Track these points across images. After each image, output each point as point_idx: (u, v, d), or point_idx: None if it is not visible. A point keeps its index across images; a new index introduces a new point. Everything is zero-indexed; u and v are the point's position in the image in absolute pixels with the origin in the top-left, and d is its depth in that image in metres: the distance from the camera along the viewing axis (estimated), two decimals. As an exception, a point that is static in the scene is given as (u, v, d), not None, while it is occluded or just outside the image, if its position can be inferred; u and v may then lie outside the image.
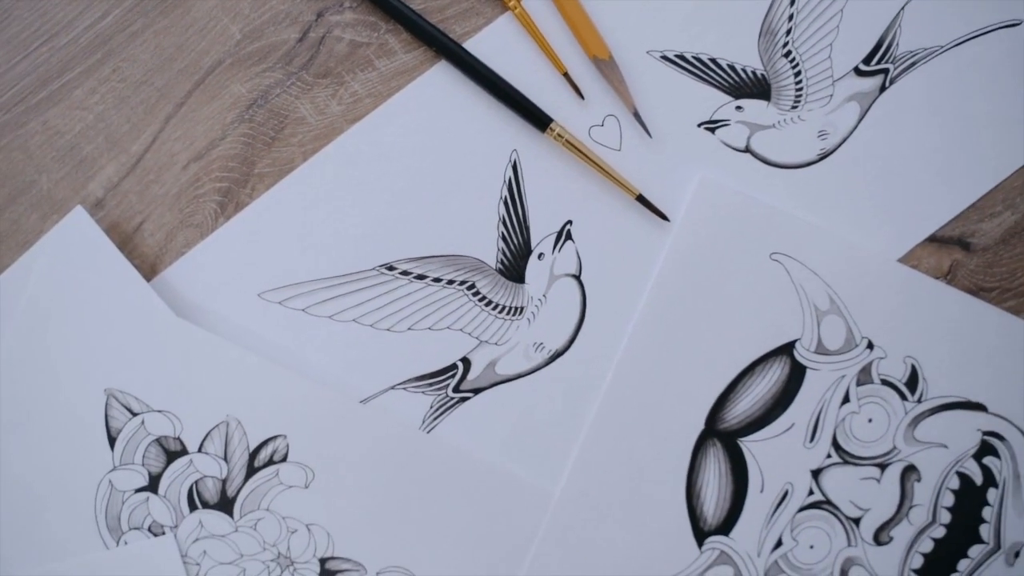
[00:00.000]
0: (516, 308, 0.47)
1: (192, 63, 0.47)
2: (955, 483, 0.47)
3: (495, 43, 0.47)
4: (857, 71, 0.47)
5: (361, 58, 0.48)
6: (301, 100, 0.47)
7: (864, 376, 0.47)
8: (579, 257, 0.47)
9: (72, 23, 0.47)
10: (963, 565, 0.46)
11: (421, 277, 0.47)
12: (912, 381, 0.47)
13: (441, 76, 0.47)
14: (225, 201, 0.47)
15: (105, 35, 0.47)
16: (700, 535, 0.46)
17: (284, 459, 0.46)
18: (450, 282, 0.47)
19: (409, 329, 0.47)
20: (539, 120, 0.46)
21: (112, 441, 0.46)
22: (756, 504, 0.46)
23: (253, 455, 0.46)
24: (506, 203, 0.47)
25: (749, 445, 0.47)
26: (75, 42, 0.47)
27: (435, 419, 0.47)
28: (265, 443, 0.46)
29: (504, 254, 0.47)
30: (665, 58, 0.47)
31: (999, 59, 0.47)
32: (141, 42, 0.47)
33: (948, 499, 0.46)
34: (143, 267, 0.47)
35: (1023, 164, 0.47)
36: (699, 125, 0.48)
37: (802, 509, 0.47)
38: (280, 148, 0.47)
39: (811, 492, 0.47)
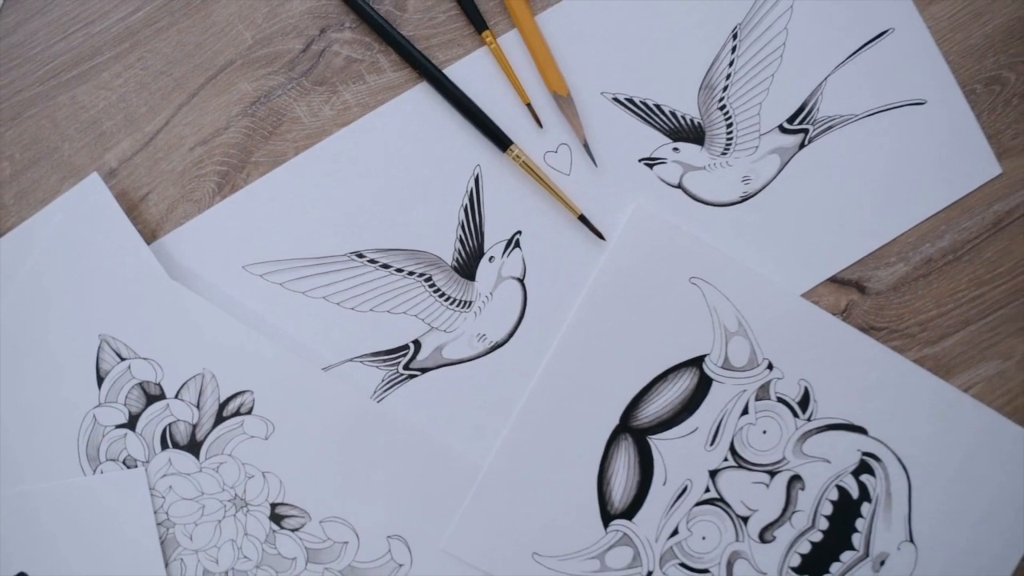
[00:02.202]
0: (465, 302, 0.49)
1: (207, 60, 0.49)
2: (834, 495, 0.49)
3: (471, 72, 0.49)
4: (781, 128, 0.49)
5: (354, 72, 0.49)
6: (298, 102, 0.49)
7: (762, 392, 0.49)
8: (524, 263, 0.49)
9: (107, 14, 0.49)
10: (835, 568, 0.49)
11: (386, 266, 0.49)
12: (804, 401, 0.49)
13: (421, 95, 0.49)
14: (223, 182, 0.49)
15: (134, 28, 0.49)
16: (607, 517, 0.49)
17: (249, 412, 0.48)
18: (410, 273, 0.49)
19: (371, 310, 0.49)
20: (501, 141, 0.48)
21: (100, 381, 0.48)
22: (658, 495, 0.49)
23: (222, 406, 0.48)
24: (466, 210, 0.49)
25: (657, 442, 0.49)
26: (108, 31, 0.49)
27: (385, 391, 0.49)
28: (234, 396, 0.48)
29: (460, 254, 0.49)
30: (616, 100, 0.49)
31: (904, 131, 0.49)
32: (165, 37, 0.49)
33: (827, 508, 0.49)
34: (145, 232, 0.48)
35: (917, 223, 0.50)
36: (639, 160, 0.49)
37: (698, 504, 0.49)
38: (276, 142, 0.49)
39: (707, 489, 0.49)
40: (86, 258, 0.48)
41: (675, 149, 0.49)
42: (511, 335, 0.49)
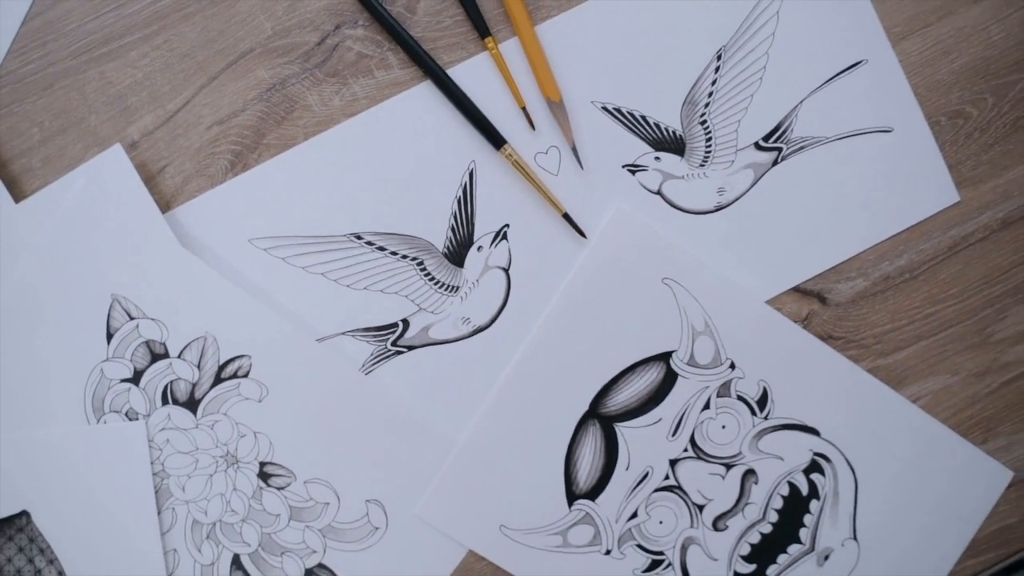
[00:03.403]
0: (453, 286, 0.50)
1: (229, 47, 0.50)
2: (785, 490, 0.51)
3: (472, 73, 0.50)
4: (757, 146, 0.51)
5: (364, 67, 0.50)
6: (311, 92, 0.50)
7: (724, 390, 0.51)
8: (510, 254, 0.50)
9: None
10: (782, 559, 0.51)
11: (381, 248, 0.50)
12: (762, 401, 0.51)
13: (425, 92, 0.50)
14: (235, 161, 0.50)
15: (163, 12, 0.50)
16: (571, 497, 0.50)
17: (246, 375, 0.50)
18: (404, 256, 0.50)
19: (365, 288, 0.50)
20: (496, 140, 0.49)
21: (109, 337, 0.49)
22: (621, 479, 0.50)
23: (221, 368, 0.50)
24: (459, 201, 0.50)
25: (622, 430, 0.50)
26: (138, 13, 0.50)
27: (373, 364, 0.50)
28: (233, 359, 0.50)
29: (451, 241, 0.50)
30: (605, 108, 0.50)
31: (871, 156, 0.51)
32: (191, 23, 0.50)
33: (778, 502, 0.51)
34: (160, 202, 0.50)
35: (879, 241, 0.51)
36: (623, 166, 0.50)
37: (658, 490, 0.50)
38: (287, 127, 0.50)
39: (667, 477, 0.50)
40: (104, 222, 0.49)
41: (657, 158, 0.51)
42: (493, 320, 0.51)
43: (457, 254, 0.51)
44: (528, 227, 0.51)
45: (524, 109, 0.50)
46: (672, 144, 0.51)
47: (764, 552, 0.51)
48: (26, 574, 0.49)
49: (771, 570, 0.51)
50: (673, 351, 0.51)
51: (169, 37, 0.51)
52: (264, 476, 0.50)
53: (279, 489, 0.50)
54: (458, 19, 0.51)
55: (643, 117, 0.51)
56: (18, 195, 0.50)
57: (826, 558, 0.51)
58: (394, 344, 0.51)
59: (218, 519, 0.50)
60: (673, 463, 0.51)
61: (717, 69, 0.51)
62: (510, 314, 0.51)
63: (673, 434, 0.51)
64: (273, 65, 0.51)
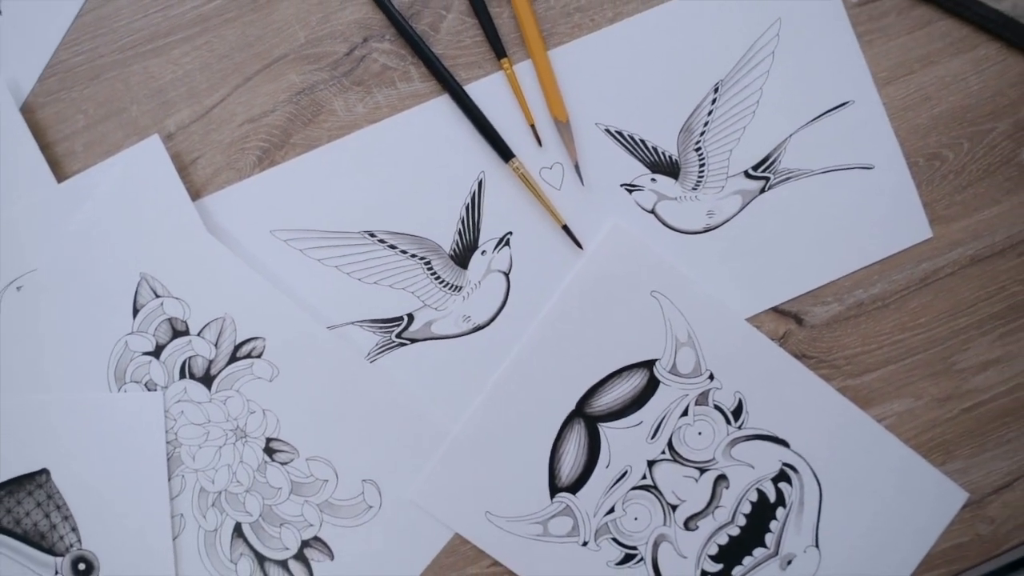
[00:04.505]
0: (457, 286, 0.51)
1: (265, 51, 0.52)
2: (754, 496, 0.52)
3: (487, 91, 0.51)
4: (746, 174, 0.52)
5: (388, 78, 0.52)
6: (337, 98, 0.51)
7: (702, 399, 0.51)
8: (511, 260, 0.51)
9: (184, 0, 0.52)
10: (747, 561, 0.52)
11: (392, 247, 0.51)
12: (737, 411, 0.52)
13: (442, 105, 0.51)
14: (263, 157, 0.51)
15: (206, 15, 0.52)
16: (554, 489, 0.51)
17: (260, 356, 0.51)
18: (413, 255, 0.51)
19: (374, 282, 0.51)
20: (505, 153, 0.50)
21: (135, 312, 0.51)
22: (601, 476, 0.51)
23: (237, 347, 0.51)
24: (467, 208, 0.51)
25: (605, 429, 0.51)
26: (183, 15, 0.52)
27: (378, 354, 0.51)
28: (248, 340, 0.51)
29: (457, 244, 0.51)
30: (607, 130, 0.51)
31: (852, 190, 0.51)
32: (232, 27, 0.52)
33: (746, 507, 0.52)
34: (191, 191, 0.51)
35: (854, 270, 0.52)
36: (621, 185, 0.51)
37: (635, 488, 0.51)
38: (313, 129, 0.51)
39: (644, 477, 0.51)
40: (138, 205, 0.50)
41: (652, 179, 0.52)
42: (492, 320, 0.52)
43: (462, 256, 0.52)
44: (529, 236, 0.52)
45: (533, 126, 0.52)
46: (668, 167, 0.52)
47: (731, 553, 0.52)
48: (42, 527, 0.51)
49: (736, 571, 0.52)
50: (657, 359, 0.52)
51: (210, 39, 0.52)
52: (269, 451, 0.51)
53: (282, 464, 0.51)
54: (477, 40, 0.52)
55: (642, 141, 0.52)
56: (60, 175, 0.52)
57: (788, 563, 0.52)
58: (398, 336, 0.52)
59: (224, 488, 0.51)
60: (651, 464, 0.51)
61: (714, 101, 0.52)
62: (508, 315, 0.52)
63: (652, 437, 0.52)
64: (304, 71, 0.52)
